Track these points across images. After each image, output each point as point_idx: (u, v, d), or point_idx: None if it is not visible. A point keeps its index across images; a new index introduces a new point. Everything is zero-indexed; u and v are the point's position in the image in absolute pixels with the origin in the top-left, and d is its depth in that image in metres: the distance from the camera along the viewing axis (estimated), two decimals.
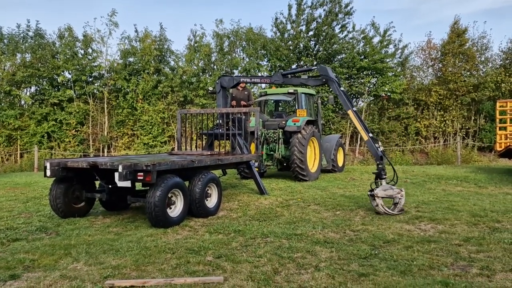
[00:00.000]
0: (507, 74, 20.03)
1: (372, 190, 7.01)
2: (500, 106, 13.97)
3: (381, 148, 7.48)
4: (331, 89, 8.73)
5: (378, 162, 7.31)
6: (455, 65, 20.79)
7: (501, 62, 21.28)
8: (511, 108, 13.86)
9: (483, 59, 21.42)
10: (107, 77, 21.07)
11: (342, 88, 8.23)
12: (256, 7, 44.76)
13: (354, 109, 7.94)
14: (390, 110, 21.07)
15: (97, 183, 7.19)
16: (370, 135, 7.61)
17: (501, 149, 13.38)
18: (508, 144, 12.97)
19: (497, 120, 14.04)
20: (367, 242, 5.13)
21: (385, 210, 6.84)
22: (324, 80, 8.43)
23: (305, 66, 20.78)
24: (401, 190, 6.96)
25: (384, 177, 7.20)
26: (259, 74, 21.09)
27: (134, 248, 4.95)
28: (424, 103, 21.10)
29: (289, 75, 9.10)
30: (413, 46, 27.30)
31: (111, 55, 27.95)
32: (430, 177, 11.55)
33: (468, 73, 21.06)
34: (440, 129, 20.84)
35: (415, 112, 21.15)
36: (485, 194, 8.77)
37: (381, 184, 7.15)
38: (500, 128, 13.87)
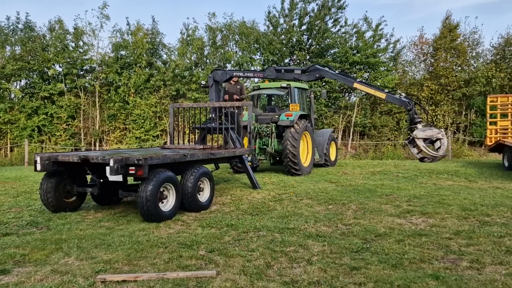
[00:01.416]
0: (497, 70, 20.17)
1: (410, 136, 6.71)
2: (490, 101, 14.11)
3: (404, 94, 7.35)
4: (324, 84, 8.82)
5: (407, 108, 7.02)
6: (446, 60, 20.90)
7: (492, 57, 21.42)
8: (502, 103, 14.02)
9: (474, 54, 21.54)
10: (98, 71, 20.87)
11: (336, 71, 8.24)
12: (249, 1, 44.53)
13: (358, 80, 7.94)
14: (382, 105, 21.16)
15: (89, 177, 7.14)
16: (386, 90, 7.56)
17: (491, 143, 13.54)
18: (498, 138, 13.12)
19: (488, 115, 14.19)
20: (359, 236, 5.16)
21: (430, 152, 6.42)
22: (317, 75, 8.45)
23: (293, 65, 20.80)
24: (441, 130, 6.63)
25: (419, 119, 6.84)
26: (252, 69, 21.03)
27: (126, 242, 4.93)
28: (416, 98, 21.20)
29: (282, 70, 9.12)
30: (405, 41, 27.44)
31: (102, 48, 27.78)
32: (422, 171, 11.63)
33: (459, 68, 21.19)
34: (432, 124, 20.97)
35: None
36: (475, 188, 8.86)
37: (416, 128, 6.81)
38: (491, 123, 14.02)
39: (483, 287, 3.55)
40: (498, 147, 13.15)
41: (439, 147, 6.59)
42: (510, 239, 4.94)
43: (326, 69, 8.31)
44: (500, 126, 13.83)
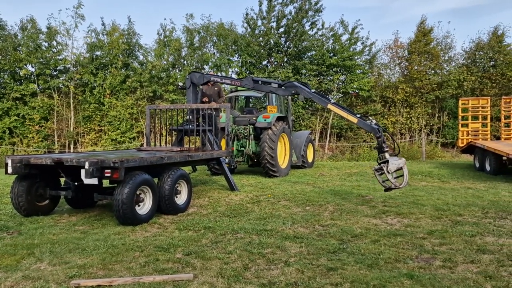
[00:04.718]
0: (469, 73, 20.80)
1: (380, 165, 6.98)
2: (462, 104, 14.53)
3: (374, 121, 7.56)
4: (302, 100, 8.92)
5: (377, 135, 7.31)
6: (420, 64, 21.40)
7: (464, 61, 22.09)
8: (473, 106, 14.46)
9: (446, 58, 22.16)
10: (73, 71, 20.42)
11: (312, 90, 8.34)
12: (227, 2, 44.52)
13: (332, 101, 8.05)
14: (359, 107, 21.48)
15: (62, 180, 6.97)
16: (358, 115, 7.72)
17: (463, 145, 13.93)
18: (469, 140, 13.51)
19: (460, 117, 14.60)
20: (335, 237, 5.22)
21: (396, 185, 6.91)
22: (293, 91, 8.53)
23: (271, 68, 20.86)
24: (403, 159, 7.01)
25: (386, 149, 7.16)
26: (230, 70, 21.01)
27: (101, 246, 4.83)
28: (391, 100, 21.62)
29: (260, 82, 9.15)
30: (381, 44, 28.03)
31: (77, 48, 27.11)
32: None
33: (433, 71, 21.74)
34: (406, 126, 21.44)
35: (383, 109, 21.65)
36: (448, 188, 9.09)
37: (384, 157, 7.09)
38: (462, 125, 14.43)
39: (455, 286, 3.64)
40: (470, 149, 13.55)
41: (401, 176, 7.05)
42: (481, 238, 5.09)
43: (302, 86, 8.40)
44: (471, 128, 14.26)
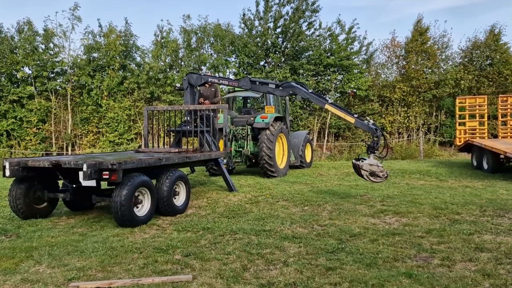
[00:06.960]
0: (465, 72, 20.86)
1: (358, 160, 7.18)
2: (459, 103, 14.59)
3: (372, 121, 7.64)
4: (300, 100, 9.00)
5: (374, 135, 7.44)
6: (417, 63, 21.45)
7: (460, 60, 22.13)
8: (470, 105, 14.51)
9: (443, 57, 22.21)
10: (70, 73, 20.38)
11: (310, 90, 8.37)
12: (224, 3, 44.53)
13: (330, 101, 8.08)
14: (356, 107, 21.51)
15: (60, 182, 6.96)
16: (356, 115, 7.76)
17: (460, 143, 13.97)
18: (467, 139, 13.56)
19: (457, 116, 14.65)
20: (334, 236, 5.23)
21: (369, 179, 7.23)
22: (290, 91, 8.56)
23: (269, 68, 20.87)
24: (386, 173, 7.23)
25: (376, 151, 7.35)
26: (227, 71, 21.02)
27: (99, 248, 4.83)
28: (388, 100, 21.66)
29: (257, 82, 9.16)
30: (378, 44, 28.06)
31: (74, 50, 27.11)
32: (395, 171, 11.87)
33: (430, 70, 21.78)
34: (404, 125, 21.47)
35: (380, 108, 21.68)
36: (446, 187, 9.11)
37: (369, 157, 7.30)
38: (460, 124, 14.49)
39: (453, 284, 3.65)
40: (467, 147, 13.59)
41: (376, 178, 7.37)
42: (479, 236, 5.10)
43: (300, 86, 8.42)
44: (469, 126, 14.31)
